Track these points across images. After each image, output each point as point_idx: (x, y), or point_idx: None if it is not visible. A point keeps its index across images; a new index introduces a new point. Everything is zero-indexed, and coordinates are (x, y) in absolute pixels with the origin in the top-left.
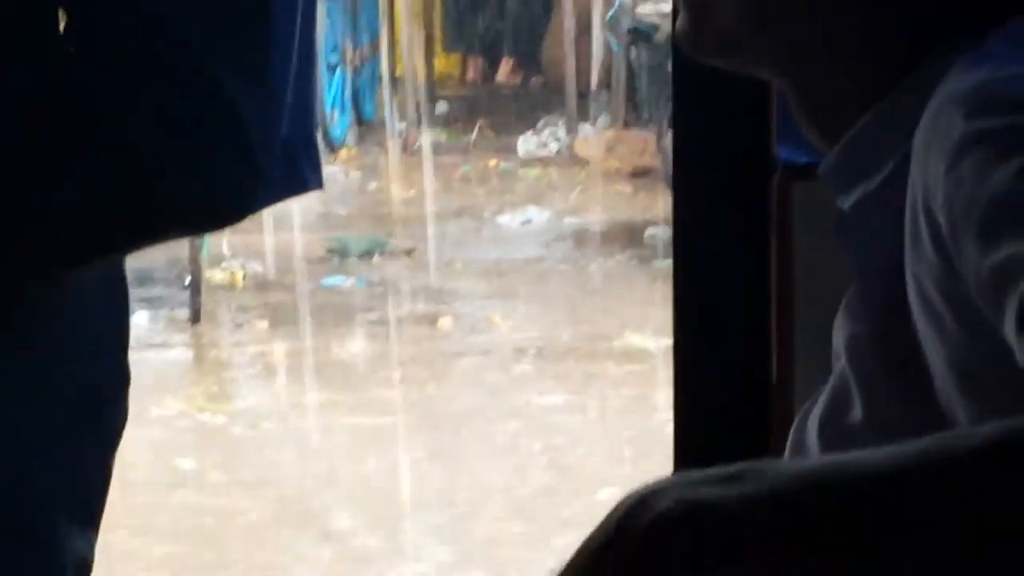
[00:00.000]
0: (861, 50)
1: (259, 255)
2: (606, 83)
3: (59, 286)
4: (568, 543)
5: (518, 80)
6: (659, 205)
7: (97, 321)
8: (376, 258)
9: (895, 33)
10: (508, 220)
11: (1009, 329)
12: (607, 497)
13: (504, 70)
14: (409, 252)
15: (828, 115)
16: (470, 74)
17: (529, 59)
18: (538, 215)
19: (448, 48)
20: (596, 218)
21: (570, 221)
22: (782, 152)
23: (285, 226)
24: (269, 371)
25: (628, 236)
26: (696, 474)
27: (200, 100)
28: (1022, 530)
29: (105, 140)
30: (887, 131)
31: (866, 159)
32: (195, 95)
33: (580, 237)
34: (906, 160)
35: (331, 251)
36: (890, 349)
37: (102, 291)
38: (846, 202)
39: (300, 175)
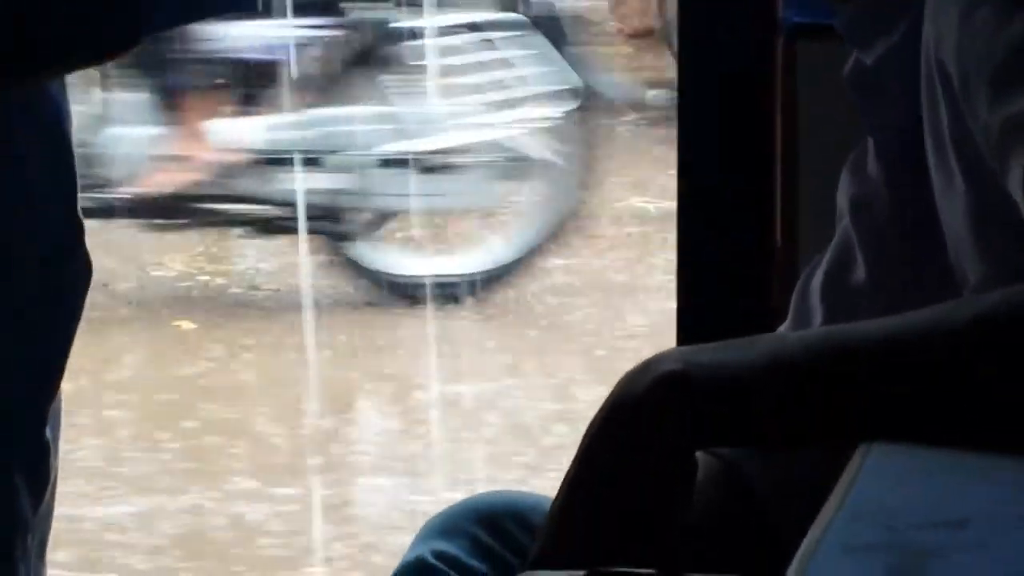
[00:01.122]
0: None
1: None
2: None
3: None
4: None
5: None
6: (661, 67)
7: (42, 172)
8: None
9: None
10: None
11: (1015, 185)
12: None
13: None
14: None
15: None
16: None
17: None
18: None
19: None
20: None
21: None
22: (787, 12)
23: None
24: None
25: (627, 98)
26: (699, 345)
27: None
28: (1015, 396)
29: None
30: None
31: (886, 9)
32: None
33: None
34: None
35: None
36: (903, 207)
37: (42, 140)
38: (869, 56)
39: None
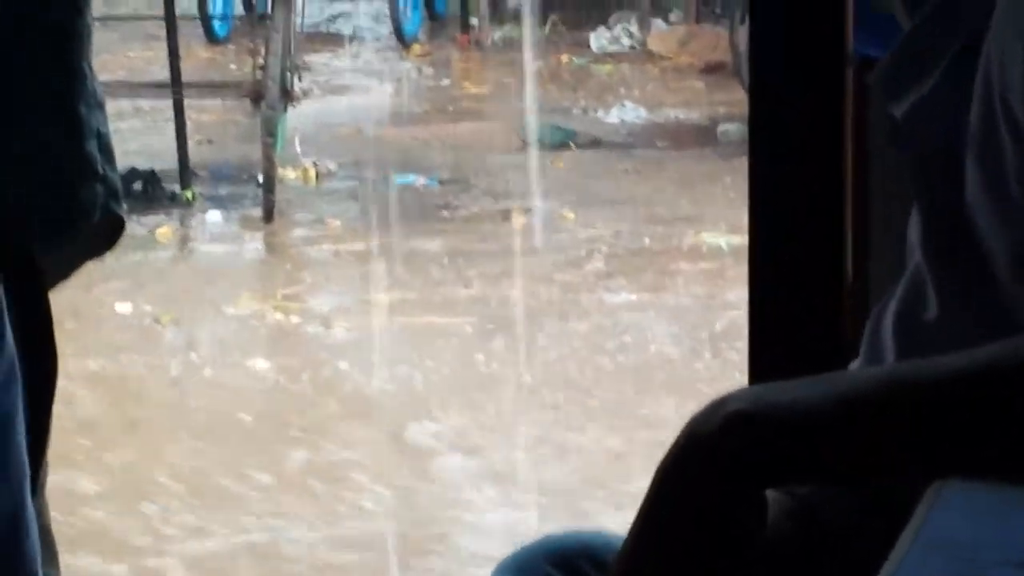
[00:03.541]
0: None
1: (332, 152)
2: None
3: None
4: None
5: None
6: (732, 100)
7: None
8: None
9: None
10: (581, 115)
11: None
12: (679, 398)
13: None
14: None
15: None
16: None
17: None
18: (612, 111)
19: None
20: (670, 114)
21: (644, 116)
22: (858, 45)
23: (356, 123)
24: (342, 270)
25: (703, 132)
26: (769, 384)
27: None
28: None
29: None
30: (943, 25)
31: (919, 63)
32: None
33: (653, 133)
34: (963, 56)
35: (524, 141)
36: (950, 246)
37: None
38: (898, 109)
39: None
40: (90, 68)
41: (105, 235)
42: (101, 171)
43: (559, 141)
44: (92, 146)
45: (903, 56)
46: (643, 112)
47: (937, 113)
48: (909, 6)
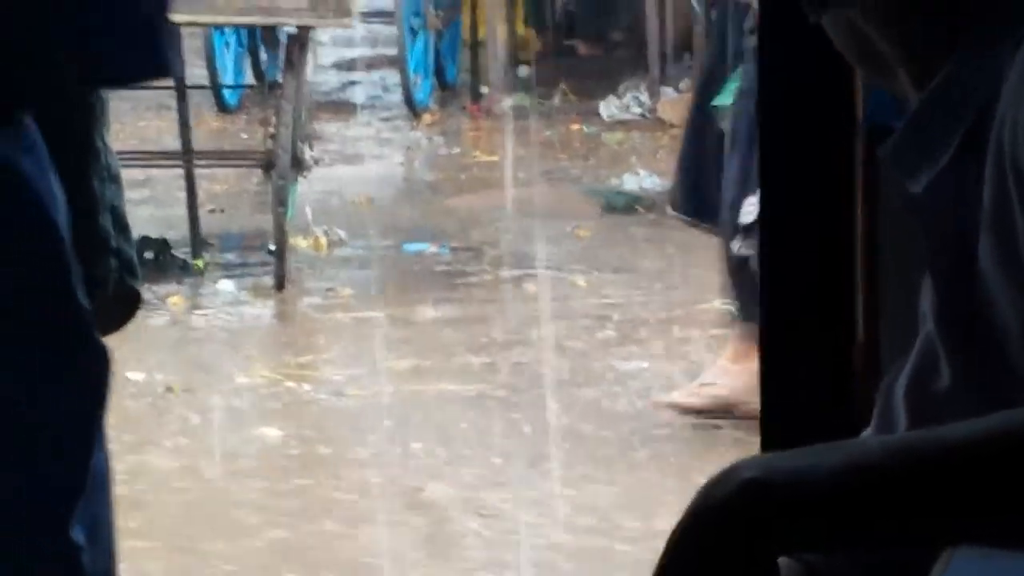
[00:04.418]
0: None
1: (343, 220)
2: (687, 46)
3: None
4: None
5: (600, 52)
6: None
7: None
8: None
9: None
10: (592, 184)
11: None
12: (690, 464)
13: (585, 45)
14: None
15: (922, 64)
16: (551, 44)
17: (611, 33)
18: (622, 178)
19: (530, 24)
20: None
21: (657, 183)
22: (868, 114)
23: (367, 191)
24: (355, 338)
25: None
26: (780, 452)
27: None
28: None
29: None
30: (951, 104)
31: (930, 140)
32: None
33: (666, 199)
34: (976, 130)
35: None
36: (963, 317)
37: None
38: (916, 186)
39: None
40: (104, 142)
41: (121, 308)
42: (115, 245)
43: (622, 205)
44: (106, 220)
45: (914, 131)
46: (656, 179)
47: (953, 187)
48: (915, 79)
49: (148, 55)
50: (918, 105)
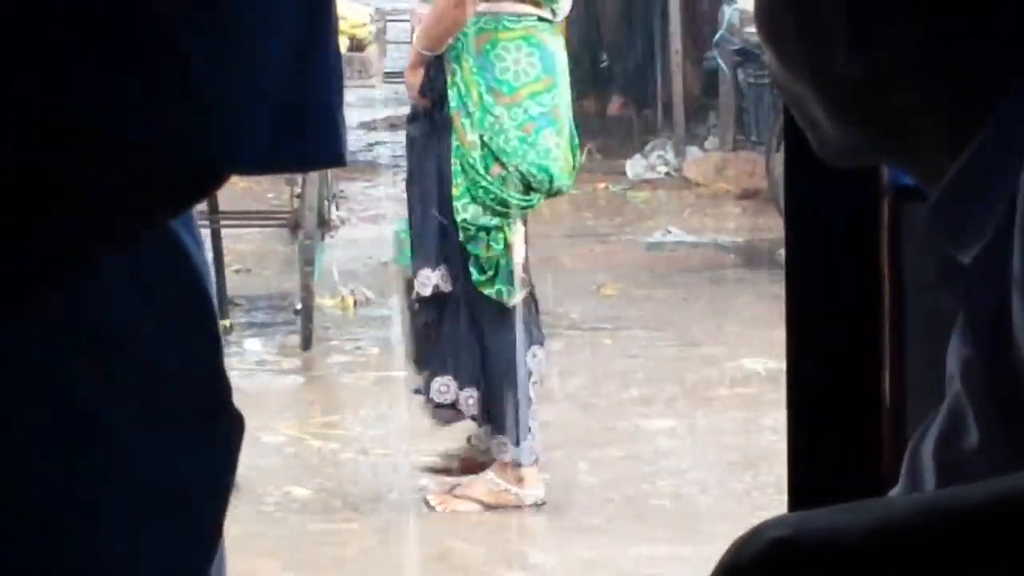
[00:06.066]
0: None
1: (369, 280)
2: (714, 105)
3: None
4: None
5: (630, 112)
6: (770, 226)
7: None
8: None
9: (974, 61)
10: (619, 242)
11: None
12: (719, 520)
13: (615, 105)
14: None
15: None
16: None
17: (640, 95)
18: (655, 234)
19: None
20: (711, 239)
21: (685, 241)
22: (893, 174)
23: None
24: (381, 397)
25: (742, 256)
26: (808, 511)
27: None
28: None
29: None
30: (997, 168)
31: (978, 206)
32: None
33: (693, 258)
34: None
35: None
36: (998, 378)
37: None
38: (967, 257)
39: (303, 142)
40: None
41: None
42: None
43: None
44: None
45: (956, 198)
46: (683, 236)
47: (998, 255)
48: (944, 143)
49: (335, 142)
50: (960, 168)
